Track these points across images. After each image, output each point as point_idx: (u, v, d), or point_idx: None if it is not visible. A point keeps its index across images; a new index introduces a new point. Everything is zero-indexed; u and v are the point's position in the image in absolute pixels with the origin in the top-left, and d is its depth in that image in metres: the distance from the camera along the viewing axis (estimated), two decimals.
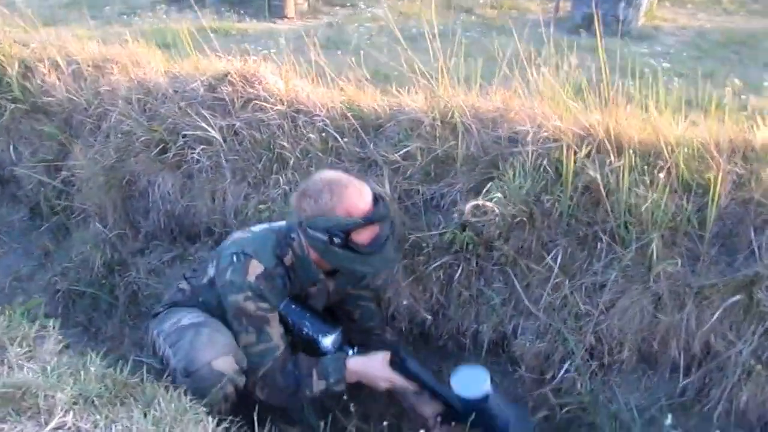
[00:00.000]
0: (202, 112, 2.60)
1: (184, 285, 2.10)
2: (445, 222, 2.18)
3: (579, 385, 1.98)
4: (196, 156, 2.59)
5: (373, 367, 1.90)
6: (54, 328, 1.67)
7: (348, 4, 7.32)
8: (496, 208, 1.98)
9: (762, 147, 1.98)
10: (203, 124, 2.53)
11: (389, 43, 5.21)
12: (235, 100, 2.61)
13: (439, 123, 2.28)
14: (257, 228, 2.02)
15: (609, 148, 2.01)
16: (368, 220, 1.80)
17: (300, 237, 1.89)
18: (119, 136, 2.75)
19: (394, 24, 6.11)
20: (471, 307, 2.14)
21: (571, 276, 1.97)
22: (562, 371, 2.00)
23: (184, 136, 2.62)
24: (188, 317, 1.91)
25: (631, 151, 1.95)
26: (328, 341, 1.92)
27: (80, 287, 2.77)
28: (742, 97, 3.28)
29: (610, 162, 1.98)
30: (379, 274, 2.16)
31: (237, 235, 2.02)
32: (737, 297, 1.77)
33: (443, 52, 2.45)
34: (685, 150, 1.94)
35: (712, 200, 1.85)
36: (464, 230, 2.10)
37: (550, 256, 1.99)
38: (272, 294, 1.86)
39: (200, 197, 2.64)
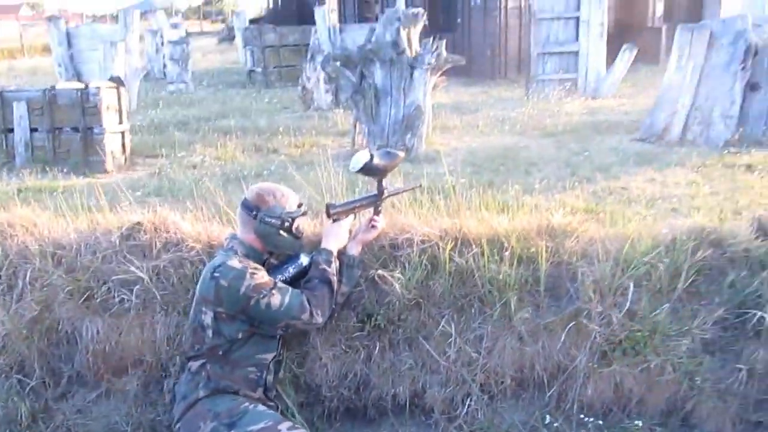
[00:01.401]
0: (123, 258, 3.03)
1: (195, 365, 2.53)
2: (355, 313, 2.85)
3: (479, 415, 2.69)
4: (124, 297, 2.98)
5: (333, 232, 2.70)
6: None
7: (161, 155, 7.82)
8: (397, 288, 2.70)
9: (558, 227, 2.96)
10: (132, 268, 2.95)
11: (223, 185, 5.86)
12: (153, 245, 3.08)
13: None
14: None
15: (465, 241, 2.86)
16: (303, 212, 2.66)
17: (239, 240, 2.62)
18: (42, 289, 3.03)
19: (216, 168, 6.81)
20: (388, 375, 2.79)
21: (459, 333, 2.73)
22: (466, 407, 2.71)
23: (109, 281, 3.00)
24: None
25: (482, 241, 2.81)
26: (305, 259, 2.67)
27: None
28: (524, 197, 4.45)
29: (469, 251, 2.82)
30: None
31: (199, 281, 2.60)
32: (571, 324, 2.64)
33: None
34: (515, 236, 2.85)
35: (540, 266, 2.75)
36: (372, 316, 2.79)
37: (442, 322, 2.74)
38: (258, 267, 2.51)
39: (129, 333, 3.01)
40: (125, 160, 7.45)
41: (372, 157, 2.65)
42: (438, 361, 2.72)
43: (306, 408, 2.87)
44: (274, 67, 15.53)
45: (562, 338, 2.66)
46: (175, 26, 16.77)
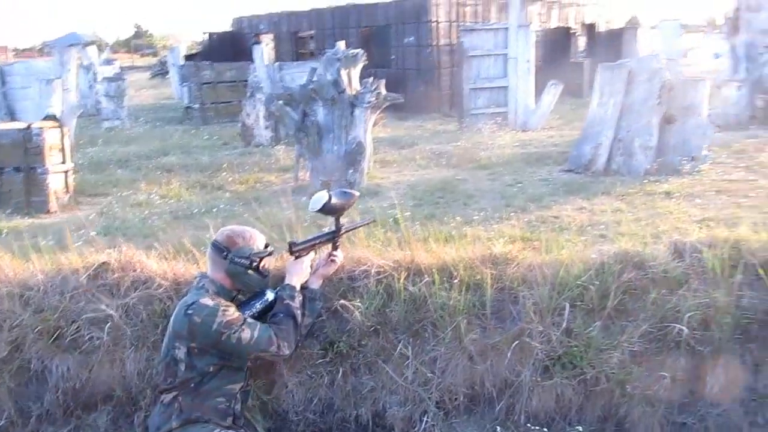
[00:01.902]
0: (92, 297, 3.16)
1: (167, 397, 2.68)
2: (318, 341, 3.06)
3: (436, 430, 2.93)
4: (94, 335, 3.11)
5: (295, 269, 2.92)
6: None
7: (101, 194, 7.84)
8: (357, 316, 2.94)
9: (499, 255, 3.27)
10: (102, 306, 3.09)
11: (172, 223, 5.97)
12: (121, 283, 3.22)
13: None
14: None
15: (417, 271, 3.13)
16: (270, 252, 2.87)
17: (209, 280, 2.79)
18: (11, 330, 3.13)
19: (163, 206, 6.89)
20: (350, 398, 3.01)
21: (415, 356, 2.98)
22: (423, 423, 2.94)
23: (78, 320, 3.12)
24: None
25: (432, 271, 3.08)
26: (270, 294, 2.86)
27: None
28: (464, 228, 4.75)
29: (421, 280, 3.09)
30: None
31: (172, 318, 2.75)
32: (515, 343, 2.93)
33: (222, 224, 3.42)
34: (462, 265, 3.14)
35: (486, 292, 3.04)
36: (335, 343, 3.01)
37: (399, 346, 2.98)
38: (229, 304, 2.71)
39: (99, 370, 3.13)
40: (68, 199, 7.45)
41: (330, 197, 2.90)
42: (397, 382, 2.96)
43: None
44: (212, 104, 15.63)
45: (508, 356, 2.94)
46: (108, 62, 16.72)
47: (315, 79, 7.50)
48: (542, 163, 9.25)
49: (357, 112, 7.46)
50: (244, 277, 2.80)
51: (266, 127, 11.33)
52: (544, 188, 7.47)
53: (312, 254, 3.03)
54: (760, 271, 3.03)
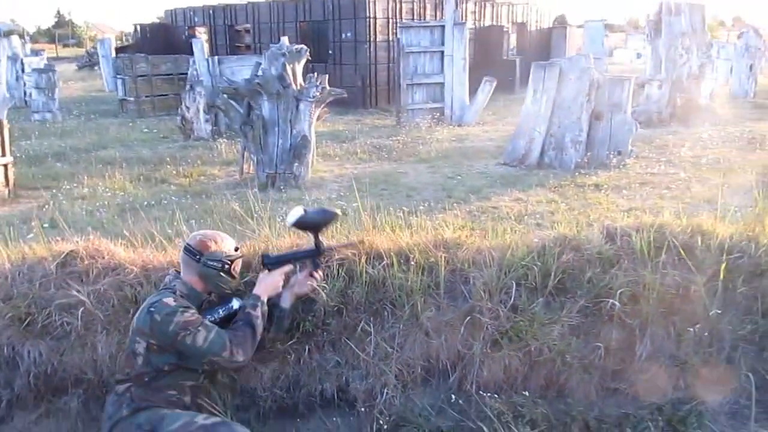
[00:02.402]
0: (62, 284, 3.26)
1: (121, 387, 2.79)
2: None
3: (396, 402, 3.18)
4: (66, 320, 3.21)
5: (265, 281, 2.99)
6: None
7: (41, 188, 7.74)
8: (323, 297, 3.16)
9: (450, 240, 3.54)
10: (73, 292, 3.19)
11: (119, 215, 6.01)
12: (90, 271, 3.33)
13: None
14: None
15: (376, 255, 3.37)
16: (240, 255, 3.02)
17: (181, 281, 2.91)
18: None
19: (108, 199, 6.89)
20: (316, 374, 3.22)
21: (376, 333, 3.21)
22: (384, 396, 3.18)
23: (50, 306, 3.22)
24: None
25: (390, 254, 3.32)
26: (236, 303, 2.96)
27: None
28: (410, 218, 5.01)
29: (380, 263, 3.33)
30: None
31: (137, 314, 2.86)
32: (467, 319, 3.20)
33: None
34: (417, 249, 3.39)
35: (439, 273, 3.30)
36: (301, 323, 3.22)
37: (361, 323, 3.21)
38: (190, 306, 2.81)
39: (70, 354, 3.23)
40: (9, 193, 7.34)
41: (305, 212, 2.99)
42: (359, 357, 3.19)
43: (242, 410, 3.23)
44: (146, 97, 15.43)
45: (461, 331, 3.21)
46: (37, 53, 16.24)
47: (260, 73, 7.61)
48: (479, 157, 9.63)
49: (302, 106, 7.63)
50: (216, 279, 2.92)
51: (206, 121, 11.33)
52: (482, 180, 7.84)
53: (287, 267, 3.08)
54: (682, 252, 3.40)
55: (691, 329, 3.28)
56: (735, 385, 3.26)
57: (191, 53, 15.46)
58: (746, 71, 17.26)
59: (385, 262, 3.32)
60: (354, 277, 3.29)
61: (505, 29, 22.04)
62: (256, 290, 2.98)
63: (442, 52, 13.83)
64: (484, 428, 3.04)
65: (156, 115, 14.93)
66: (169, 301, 2.78)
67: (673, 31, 12.85)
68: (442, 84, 13.88)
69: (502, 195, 7.01)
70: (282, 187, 7.38)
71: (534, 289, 3.32)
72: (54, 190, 7.48)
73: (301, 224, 3.02)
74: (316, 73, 7.74)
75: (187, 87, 11.45)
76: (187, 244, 2.98)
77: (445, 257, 3.38)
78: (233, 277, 2.98)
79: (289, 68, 7.57)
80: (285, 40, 7.70)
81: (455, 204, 6.42)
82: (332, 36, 17.48)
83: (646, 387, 3.31)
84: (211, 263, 2.90)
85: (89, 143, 10.85)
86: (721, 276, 3.29)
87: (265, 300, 2.96)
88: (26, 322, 3.22)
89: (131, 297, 3.26)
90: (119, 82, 15.79)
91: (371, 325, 3.23)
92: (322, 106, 7.96)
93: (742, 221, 3.78)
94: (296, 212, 2.97)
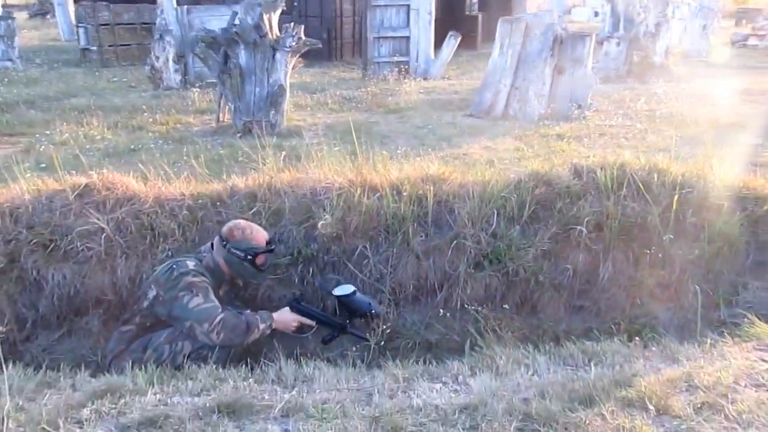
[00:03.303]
0: (80, 213, 3.54)
1: (125, 327, 3.12)
2: (286, 248, 3.61)
3: (390, 316, 3.58)
4: (87, 246, 3.49)
5: (284, 316, 3.21)
6: None
7: (18, 134, 7.80)
8: (328, 226, 3.51)
9: (435, 175, 3.91)
10: (93, 219, 3.47)
11: (105, 160, 6.18)
12: (107, 201, 3.61)
13: (267, 191, 3.71)
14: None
15: (371, 187, 3.72)
16: (268, 250, 3.22)
17: (211, 255, 3.19)
18: (8, 244, 3.45)
19: (88, 144, 7.02)
20: (318, 292, 3.59)
21: (372, 256, 3.59)
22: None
23: (71, 233, 3.49)
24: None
25: (384, 187, 3.68)
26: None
27: None
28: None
29: (375, 195, 3.68)
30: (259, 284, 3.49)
31: (163, 265, 3.15)
32: (452, 244, 3.60)
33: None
34: (407, 183, 3.75)
35: (428, 204, 3.68)
36: (303, 250, 3.57)
37: (359, 248, 3.58)
38: (206, 277, 3.09)
39: (92, 277, 3.52)
40: None
41: (355, 292, 3.21)
42: (358, 277, 3.57)
43: None
44: (110, 46, 15.23)
45: (448, 254, 3.61)
46: None
47: (237, 23, 7.76)
48: (446, 108, 9.96)
49: (278, 56, 7.82)
50: (238, 267, 3.22)
51: (176, 71, 11.38)
52: (451, 130, 8.19)
53: (308, 321, 3.22)
54: (640, 187, 3.84)
55: (647, 254, 3.74)
56: (684, 303, 3.74)
57: (153, 2, 15.29)
58: (700, 31, 17.87)
59: (379, 193, 3.68)
60: (351, 207, 3.64)
61: None
62: (275, 314, 3.17)
63: (409, 6, 14.00)
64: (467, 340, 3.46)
65: (120, 65, 14.79)
66: (190, 264, 3.09)
67: None
68: (408, 38, 14.07)
69: (472, 143, 7.38)
70: (259, 134, 7.61)
71: (511, 218, 3.73)
72: (32, 137, 7.56)
73: (344, 301, 3.20)
74: (292, 23, 7.92)
75: (156, 36, 11.42)
76: (221, 230, 3.26)
77: (432, 190, 3.75)
78: (258, 269, 3.23)
79: (266, 18, 7.73)
80: None
81: (430, 150, 6.77)
82: None
83: (608, 305, 3.77)
84: (235, 251, 3.18)
85: (58, 92, 10.80)
86: (674, 208, 3.73)
87: (273, 326, 3.13)
88: (50, 249, 3.50)
89: (147, 225, 3.56)
90: (81, 30, 15.50)
91: (368, 249, 3.60)
92: (297, 56, 8.16)
93: (693, 162, 4.23)
94: (346, 288, 3.19)
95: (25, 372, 2.62)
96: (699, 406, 2.23)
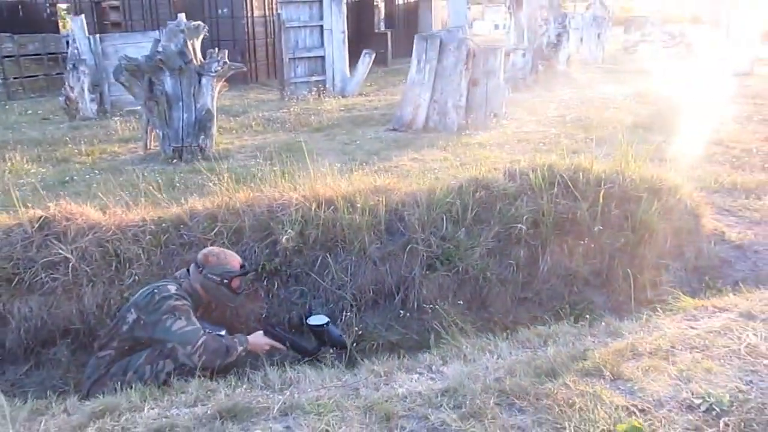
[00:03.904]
0: (42, 245, 3.58)
1: (102, 353, 3.19)
2: (250, 264, 3.77)
3: (353, 322, 3.79)
4: (53, 276, 3.54)
5: (258, 339, 3.35)
6: None
7: None
8: (290, 240, 3.70)
9: (384, 186, 4.18)
10: (58, 250, 3.53)
11: (38, 193, 6.10)
12: (68, 232, 3.66)
13: (226, 211, 3.87)
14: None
15: (326, 201, 3.94)
16: (242, 273, 3.40)
17: (189, 281, 3.32)
18: None
19: (14, 179, 6.88)
20: (283, 304, 3.77)
21: (334, 263, 3.80)
22: (342, 317, 3.78)
23: (35, 265, 3.53)
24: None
25: (338, 200, 3.91)
26: (224, 332, 3.32)
27: None
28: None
29: (330, 207, 3.90)
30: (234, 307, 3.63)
31: (142, 289, 3.25)
32: (407, 249, 3.86)
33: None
34: (359, 195, 4.00)
35: (380, 213, 3.93)
36: (266, 264, 3.75)
37: (319, 259, 3.79)
38: (187, 300, 3.21)
39: (58, 308, 3.57)
40: None
41: (328, 324, 3.38)
42: (320, 286, 3.77)
43: None
44: (15, 78, 14.75)
45: (403, 259, 3.87)
46: None
47: (160, 50, 7.80)
48: (368, 124, 10.26)
49: (204, 80, 7.91)
50: (215, 291, 3.35)
51: (92, 100, 11.19)
52: (378, 144, 8.49)
53: (280, 345, 3.34)
54: (569, 185, 4.22)
55: (580, 245, 4.12)
56: (616, 287, 4.14)
57: (56, 31, 14.96)
58: (595, 39, 19.04)
59: (333, 206, 3.91)
60: (309, 221, 3.85)
61: (375, 2, 22.72)
62: (250, 337, 3.29)
63: (322, 27, 14.30)
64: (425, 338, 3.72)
65: (29, 98, 14.34)
66: (172, 288, 3.20)
67: (532, 3, 14.08)
68: (323, 57, 14.36)
69: (400, 156, 7.69)
70: (189, 159, 7.67)
71: (457, 221, 4.04)
72: None
73: (316, 330, 3.37)
74: (217, 49, 8.03)
75: (69, 66, 11.20)
76: (197, 257, 3.39)
77: (383, 200, 4.01)
78: (234, 292, 3.38)
79: (189, 44, 7.82)
80: (182, 17, 7.91)
81: (361, 164, 7.03)
82: (208, 12, 17.38)
83: (549, 295, 4.13)
84: (212, 276, 3.32)
85: None
86: (600, 202, 4.14)
87: (248, 349, 3.25)
88: (14, 282, 3.53)
89: (112, 252, 3.65)
90: None
91: (329, 259, 3.81)
92: (223, 80, 8.27)
93: (612, 161, 4.68)
94: (320, 319, 3.39)
95: (13, 402, 2.68)
96: (646, 369, 2.57)
